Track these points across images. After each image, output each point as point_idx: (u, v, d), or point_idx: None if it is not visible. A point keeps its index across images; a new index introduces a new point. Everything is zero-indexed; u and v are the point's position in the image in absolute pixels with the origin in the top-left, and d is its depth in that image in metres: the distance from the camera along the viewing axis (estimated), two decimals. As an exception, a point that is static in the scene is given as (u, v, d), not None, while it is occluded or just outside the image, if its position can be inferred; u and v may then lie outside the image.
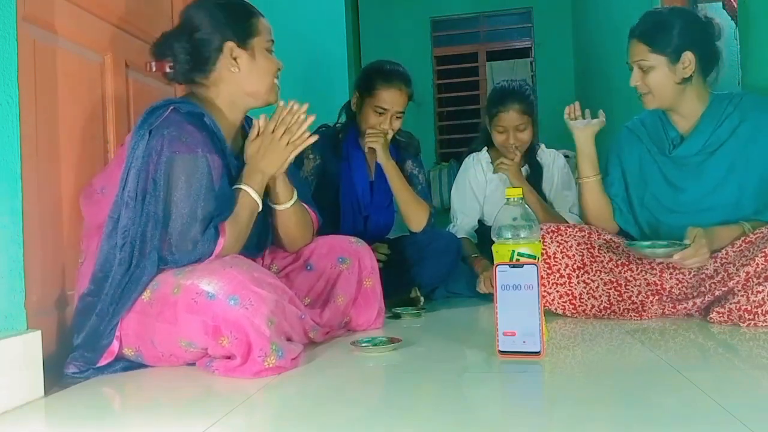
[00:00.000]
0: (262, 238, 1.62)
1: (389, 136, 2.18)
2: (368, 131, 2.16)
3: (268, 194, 1.55)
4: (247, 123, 1.61)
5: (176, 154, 1.32)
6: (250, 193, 1.44)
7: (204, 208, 1.33)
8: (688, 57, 1.74)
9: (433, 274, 2.19)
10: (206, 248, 1.33)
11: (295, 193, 1.60)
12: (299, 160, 2.19)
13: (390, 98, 2.14)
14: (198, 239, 1.32)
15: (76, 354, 1.29)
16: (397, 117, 2.17)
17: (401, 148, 2.35)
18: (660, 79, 1.75)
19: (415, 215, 2.20)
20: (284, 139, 1.48)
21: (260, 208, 1.46)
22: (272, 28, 1.55)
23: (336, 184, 2.21)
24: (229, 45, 1.45)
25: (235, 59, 1.46)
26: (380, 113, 2.14)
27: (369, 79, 2.18)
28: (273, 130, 1.48)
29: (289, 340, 1.35)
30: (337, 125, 2.30)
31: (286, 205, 1.58)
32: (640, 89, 1.80)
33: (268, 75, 1.50)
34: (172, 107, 1.37)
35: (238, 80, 1.48)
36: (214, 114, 1.46)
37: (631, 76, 1.80)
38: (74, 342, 1.30)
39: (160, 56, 1.48)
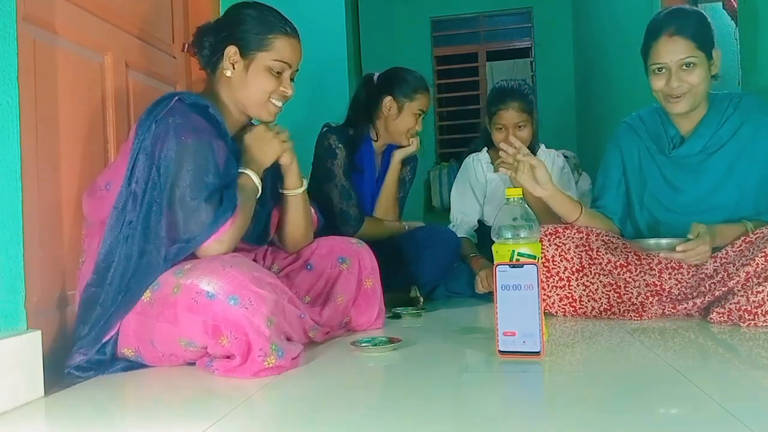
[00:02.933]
0: (265, 230, 1.62)
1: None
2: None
3: (280, 181, 1.63)
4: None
5: (182, 140, 1.33)
6: (251, 176, 1.46)
7: (212, 184, 1.34)
8: (718, 54, 1.74)
9: (432, 270, 2.19)
10: (222, 218, 1.33)
11: (305, 183, 1.65)
12: (330, 153, 2.19)
13: (427, 102, 2.30)
14: (211, 212, 1.32)
15: (80, 344, 1.28)
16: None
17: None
18: (703, 77, 1.71)
19: (384, 214, 2.32)
20: (281, 135, 1.54)
21: (260, 193, 1.48)
22: (298, 56, 1.54)
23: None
24: (231, 49, 1.47)
25: (232, 64, 1.48)
26: (418, 116, 2.27)
27: (411, 85, 2.27)
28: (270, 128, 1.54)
29: (288, 339, 1.35)
30: (335, 125, 2.30)
31: (296, 191, 1.62)
32: (680, 90, 1.72)
33: (258, 92, 1.49)
34: (176, 98, 1.38)
35: (231, 85, 1.50)
36: (219, 108, 1.48)
37: (664, 77, 1.72)
38: (79, 333, 1.30)
39: (192, 45, 1.58)
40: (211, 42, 1.52)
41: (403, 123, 2.25)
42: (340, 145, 2.20)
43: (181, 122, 1.34)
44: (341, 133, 2.25)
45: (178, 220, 1.32)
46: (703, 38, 1.71)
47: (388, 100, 2.24)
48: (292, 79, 1.55)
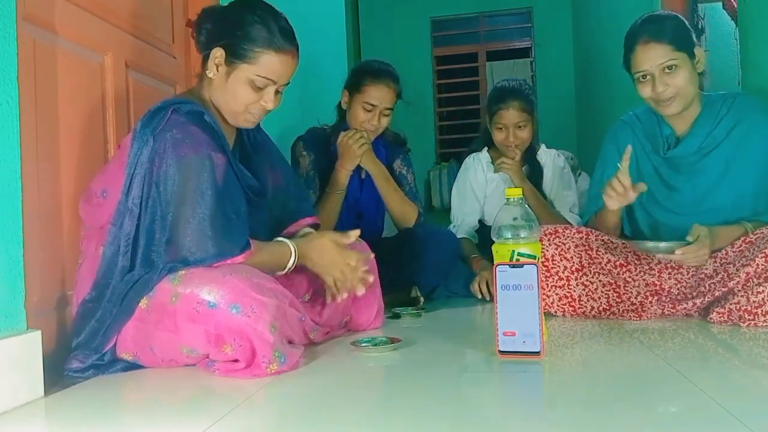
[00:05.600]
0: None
1: (377, 134, 2.21)
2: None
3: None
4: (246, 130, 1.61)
5: (182, 156, 1.31)
6: (288, 259, 1.46)
7: (212, 201, 1.32)
8: (700, 52, 1.74)
9: (432, 272, 2.18)
10: (229, 248, 1.31)
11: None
12: (294, 161, 2.21)
13: (378, 94, 2.17)
14: (217, 237, 1.30)
15: (77, 352, 1.29)
16: (384, 114, 2.19)
17: (389, 146, 2.35)
18: (687, 77, 1.71)
19: (402, 216, 2.26)
20: (353, 263, 1.52)
21: (282, 272, 1.47)
22: (288, 72, 1.46)
23: (327, 183, 2.22)
24: (218, 51, 1.43)
25: (216, 66, 1.44)
26: (368, 110, 2.17)
27: (357, 76, 2.21)
28: (349, 262, 1.53)
29: (290, 341, 1.34)
30: (326, 126, 2.31)
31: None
32: (666, 94, 1.72)
33: (235, 102, 1.44)
34: (172, 109, 1.37)
35: (213, 86, 1.47)
36: (211, 111, 1.46)
37: (649, 84, 1.73)
38: (72, 345, 1.30)
39: (194, 24, 1.52)
40: (208, 30, 1.47)
41: (353, 116, 2.20)
42: (304, 153, 2.21)
43: (180, 137, 1.32)
44: (313, 136, 2.25)
45: (177, 238, 1.30)
46: (680, 39, 1.72)
47: (343, 93, 2.24)
48: (279, 92, 1.48)
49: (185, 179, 1.31)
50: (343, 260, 1.52)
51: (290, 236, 1.64)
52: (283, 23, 1.46)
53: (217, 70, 1.44)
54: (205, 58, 1.47)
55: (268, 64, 1.42)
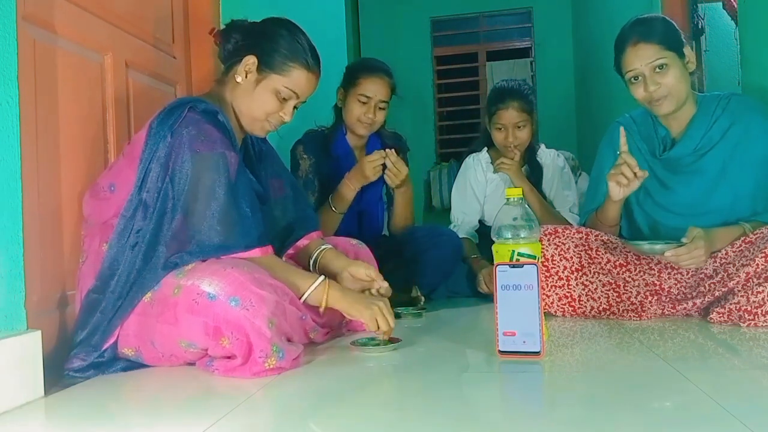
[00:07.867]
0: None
1: (373, 129, 2.23)
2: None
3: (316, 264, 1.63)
4: (255, 138, 1.63)
5: (197, 153, 1.33)
6: (309, 289, 1.41)
7: (224, 197, 1.33)
8: (689, 51, 1.76)
9: (433, 272, 2.18)
10: (235, 241, 1.33)
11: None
12: (294, 165, 2.21)
13: (372, 86, 2.18)
14: (227, 231, 1.32)
15: (78, 350, 1.29)
16: (380, 108, 2.20)
17: (387, 145, 2.35)
18: (677, 76, 1.72)
19: (405, 223, 2.29)
20: (376, 314, 1.45)
21: (300, 298, 1.42)
22: (310, 91, 1.55)
23: (328, 183, 2.22)
24: (251, 59, 1.48)
25: (246, 72, 1.49)
26: (363, 102, 2.18)
27: (351, 73, 2.24)
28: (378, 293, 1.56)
29: (289, 340, 1.35)
30: (323, 128, 2.33)
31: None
32: (658, 93, 1.73)
33: (258, 109, 1.50)
34: (189, 106, 1.39)
35: (238, 91, 1.51)
36: (226, 112, 1.49)
37: (641, 85, 1.73)
38: (76, 338, 1.31)
39: (221, 34, 1.57)
40: (238, 41, 1.53)
41: (348, 110, 2.22)
42: (304, 156, 2.21)
43: (196, 133, 1.35)
44: (312, 139, 2.26)
45: (187, 232, 1.31)
46: (669, 39, 1.73)
47: (339, 91, 2.26)
48: (296, 107, 1.55)
49: (199, 176, 1.33)
50: (362, 302, 1.47)
51: (304, 251, 1.66)
52: (313, 46, 1.55)
53: (246, 77, 1.49)
54: (232, 65, 1.52)
55: (298, 78, 1.50)
